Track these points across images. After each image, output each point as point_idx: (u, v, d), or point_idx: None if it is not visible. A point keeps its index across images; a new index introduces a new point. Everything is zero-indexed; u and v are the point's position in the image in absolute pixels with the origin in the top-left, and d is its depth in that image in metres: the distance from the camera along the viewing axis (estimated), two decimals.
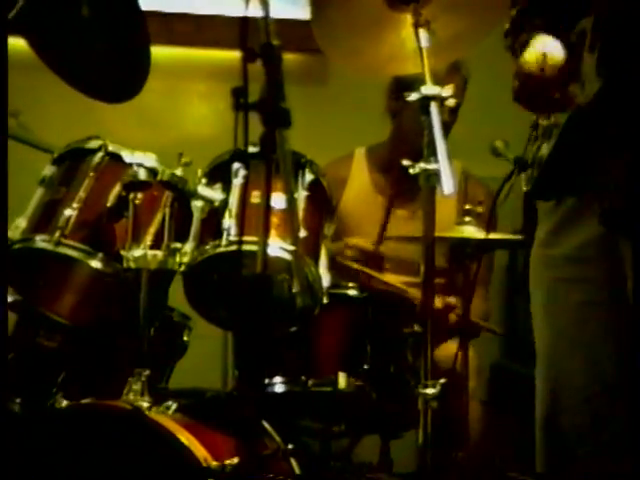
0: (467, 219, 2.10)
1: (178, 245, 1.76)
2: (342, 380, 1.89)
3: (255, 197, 1.68)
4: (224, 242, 1.71)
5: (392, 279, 2.35)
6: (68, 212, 1.73)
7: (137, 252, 1.72)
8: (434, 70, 2.11)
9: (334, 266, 1.87)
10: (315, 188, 1.83)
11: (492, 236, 2.06)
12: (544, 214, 1.57)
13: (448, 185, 1.53)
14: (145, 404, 1.63)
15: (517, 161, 1.56)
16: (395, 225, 2.40)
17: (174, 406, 1.66)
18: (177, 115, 3.04)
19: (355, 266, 2.24)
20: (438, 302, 2.19)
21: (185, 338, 2.00)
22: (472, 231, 2.08)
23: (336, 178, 2.46)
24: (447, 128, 2.37)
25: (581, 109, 1.41)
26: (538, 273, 1.56)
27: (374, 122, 2.66)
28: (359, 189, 2.48)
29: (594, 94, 1.38)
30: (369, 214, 2.36)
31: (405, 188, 2.36)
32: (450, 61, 2.12)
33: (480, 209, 2.01)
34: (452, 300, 2.25)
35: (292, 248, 1.66)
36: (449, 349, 2.12)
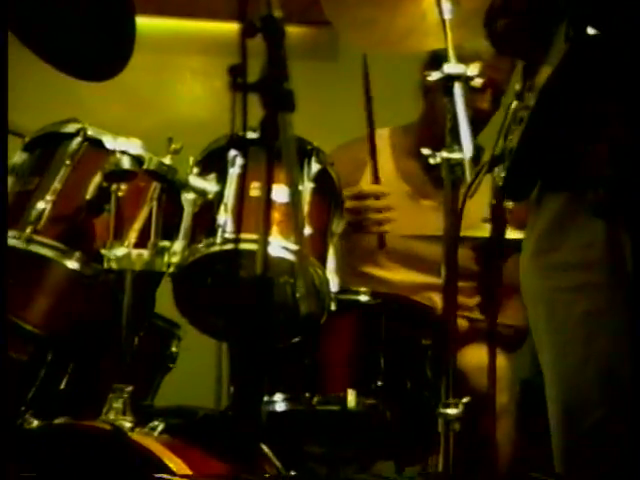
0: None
1: (166, 243, 1.76)
2: (352, 398, 1.89)
3: (254, 189, 1.68)
4: (219, 240, 1.72)
5: (407, 278, 2.35)
6: (41, 205, 1.73)
7: (120, 251, 1.73)
8: (478, 50, 2.11)
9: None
10: (322, 179, 1.84)
11: (518, 235, 2.05)
12: (531, 217, 1.56)
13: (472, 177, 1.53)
14: (127, 424, 1.64)
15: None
16: (419, 217, 2.41)
17: (161, 426, 1.67)
18: (166, 95, 3.05)
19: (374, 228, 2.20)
20: (463, 322, 2.20)
21: (174, 349, 2.01)
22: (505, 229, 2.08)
23: (355, 159, 2.44)
24: (486, 117, 2.38)
25: (550, 82, 1.40)
26: (533, 286, 1.54)
27: (391, 103, 2.65)
28: (380, 174, 2.48)
29: (561, 57, 1.37)
30: (391, 203, 2.35)
31: (432, 174, 2.36)
32: (476, 37, 2.12)
33: (511, 205, 2.01)
34: (468, 301, 2.25)
35: (296, 247, 1.67)
36: (477, 357, 2.11)
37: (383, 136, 2.54)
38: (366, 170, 2.49)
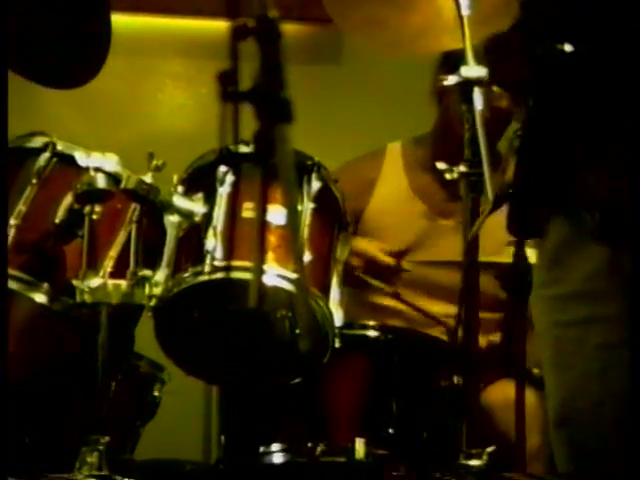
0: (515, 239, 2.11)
1: (148, 273, 1.78)
2: (360, 448, 1.89)
3: (247, 210, 1.70)
4: (207, 268, 1.73)
5: (424, 308, 2.36)
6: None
7: (94, 282, 1.74)
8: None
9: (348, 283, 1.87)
10: (324, 199, 1.85)
11: None
12: (537, 247, 1.59)
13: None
14: None
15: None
16: (437, 239, 2.42)
17: None
18: (145, 104, 3.07)
19: (375, 282, 2.25)
20: (482, 341, 2.20)
21: (156, 394, 2.02)
22: (529, 254, 2.10)
23: (362, 179, 2.49)
24: (506, 119, 2.39)
25: (532, 107, 1.43)
26: (541, 319, 1.57)
27: (403, 112, 2.68)
28: (392, 193, 2.51)
29: (534, 80, 1.41)
30: (405, 224, 2.38)
31: (450, 190, 2.38)
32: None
33: None
34: (494, 338, 2.26)
35: (295, 276, 1.69)
36: (503, 393, 2.11)
37: (395, 150, 2.56)
38: (375, 191, 2.51)
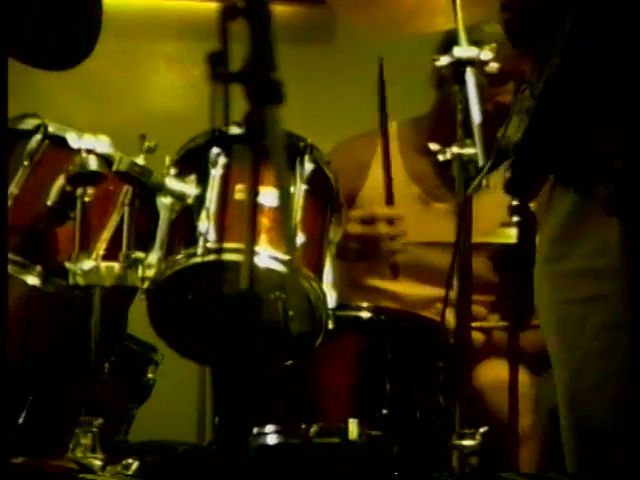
0: (516, 219, 2.11)
1: (140, 255, 1.78)
2: (353, 429, 1.89)
3: (239, 192, 1.72)
4: (200, 250, 1.72)
5: (418, 291, 2.36)
6: None
7: (87, 264, 1.74)
8: (496, 32, 2.11)
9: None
10: (317, 180, 1.85)
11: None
12: (541, 220, 1.57)
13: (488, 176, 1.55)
14: (97, 462, 1.65)
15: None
16: (431, 222, 2.42)
17: (135, 464, 1.67)
18: (137, 86, 3.06)
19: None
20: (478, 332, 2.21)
21: (150, 376, 2.02)
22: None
23: (356, 161, 2.47)
24: (507, 112, 2.39)
25: (556, 67, 1.42)
26: (544, 298, 1.55)
27: (397, 94, 2.66)
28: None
29: (566, 42, 1.39)
30: (399, 207, 2.36)
31: (446, 175, 2.37)
32: (493, 16, 2.13)
33: (533, 206, 2.02)
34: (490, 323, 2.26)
35: (287, 258, 1.68)
36: (493, 372, 2.10)
37: (390, 131, 2.54)
38: (370, 173, 2.50)
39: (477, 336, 2.25)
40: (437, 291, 2.38)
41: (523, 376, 2.09)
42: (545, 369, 2.32)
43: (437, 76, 2.43)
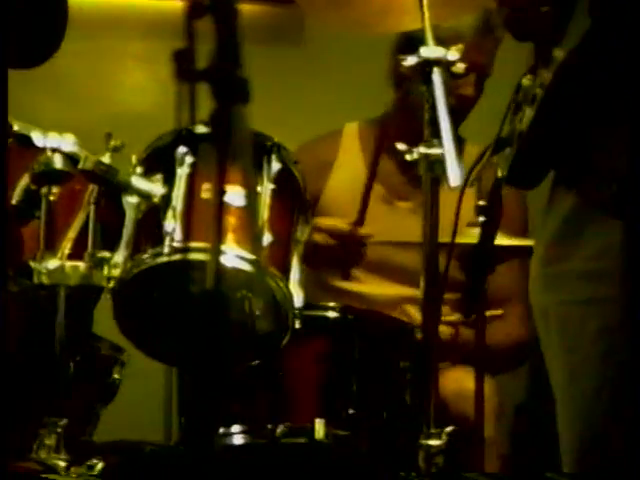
0: (482, 219, 2.12)
1: (106, 254, 1.77)
2: (320, 429, 1.90)
3: (206, 191, 1.72)
4: (166, 250, 1.72)
5: (383, 291, 2.36)
6: None
7: (52, 264, 1.73)
8: (457, 29, 2.13)
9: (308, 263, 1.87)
10: (284, 180, 1.84)
11: (514, 242, 2.08)
12: (540, 221, 1.57)
13: (455, 175, 1.55)
14: (61, 463, 1.64)
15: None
16: (395, 221, 2.43)
17: (100, 465, 1.67)
18: (104, 85, 3.04)
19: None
20: (447, 323, 2.21)
21: (116, 376, 2.00)
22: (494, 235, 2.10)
23: (318, 162, 2.48)
24: (469, 105, 2.41)
25: (571, 56, 1.41)
26: (543, 299, 1.55)
27: (364, 93, 2.67)
28: (349, 176, 2.50)
29: (583, 35, 1.39)
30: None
31: (411, 174, 2.38)
32: (461, 16, 2.15)
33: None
34: (451, 317, 2.27)
35: (254, 257, 1.68)
36: (455, 381, 2.11)
37: (352, 131, 2.56)
38: (332, 175, 2.51)
39: (444, 330, 2.24)
40: (403, 290, 2.39)
41: (487, 383, 2.10)
42: (510, 368, 2.34)
43: (396, 75, 2.44)
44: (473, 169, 1.75)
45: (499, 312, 2.30)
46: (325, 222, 2.32)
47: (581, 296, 1.50)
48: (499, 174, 1.55)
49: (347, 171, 2.52)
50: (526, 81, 1.51)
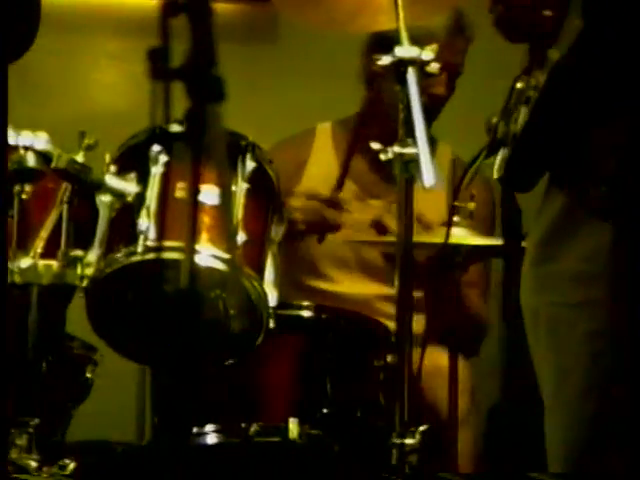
0: (455, 219, 2.13)
1: (79, 253, 1.77)
2: (294, 428, 1.90)
3: (180, 190, 1.69)
4: (140, 249, 1.72)
5: (357, 290, 2.36)
6: None
7: (24, 262, 1.72)
8: (430, 29, 2.14)
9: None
10: (259, 179, 1.85)
11: (485, 242, 2.09)
12: (533, 221, 1.57)
13: (429, 175, 1.56)
14: (33, 463, 1.63)
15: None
16: (368, 219, 2.43)
17: (72, 465, 1.66)
18: (77, 83, 3.03)
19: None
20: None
21: (88, 376, 2.00)
22: (461, 234, 2.11)
23: (292, 161, 2.49)
24: (441, 104, 2.41)
25: (563, 61, 1.41)
26: (532, 299, 1.55)
27: (339, 92, 2.68)
28: (323, 174, 2.50)
29: (576, 36, 1.40)
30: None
31: (383, 172, 2.38)
32: (434, 16, 2.16)
33: (472, 206, 2.04)
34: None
35: (228, 256, 1.68)
36: (432, 361, 2.13)
37: (325, 130, 2.57)
38: (305, 173, 2.51)
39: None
40: (376, 288, 2.40)
41: (461, 364, 2.12)
42: (475, 350, 2.34)
43: (368, 74, 2.44)
44: (467, 171, 1.74)
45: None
46: (302, 189, 2.32)
47: (572, 299, 1.49)
48: (494, 176, 1.55)
49: (320, 170, 2.52)
50: (520, 83, 1.51)
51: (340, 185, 2.33)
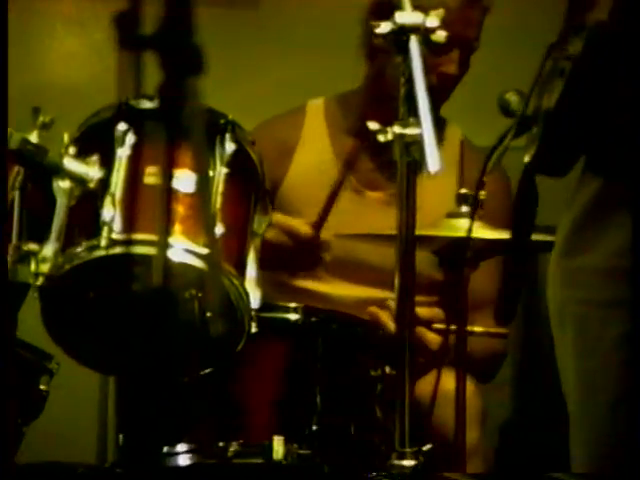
0: (464, 209, 2.14)
1: (34, 247, 1.77)
2: (279, 447, 1.90)
3: (150, 175, 1.72)
4: (104, 242, 1.72)
5: (352, 292, 2.37)
6: None
7: None
8: None
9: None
10: (240, 163, 1.85)
11: (498, 235, 2.10)
12: (565, 208, 1.56)
13: (434, 160, 1.57)
14: None
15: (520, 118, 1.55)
16: (365, 215, 2.43)
17: None
18: (30, 52, 3.02)
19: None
20: (422, 311, 2.21)
21: (43, 387, 2.00)
22: (471, 227, 2.11)
23: (278, 144, 2.48)
24: (452, 83, 2.41)
25: (603, 26, 1.40)
26: (559, 294, 1.55)
27: (331, 65, 2.68)
28: (314, 160, 2.49)
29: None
30: (327, 196, 2.36)
31: (381, 158, 2.38)
32: None
33: (483, 195, 2.05)
34: (435, 312, 2.27)
35: (205, 251, 1.68)
36: (434, 382, 2.14)
37: (316, 109, 2.54)
38: (295, 159, 2.49)
39: (432, 338, 2.24)
40: (370, 291, 2.40)
41: (469, 385, 2.12)
42: (490, 377, 2.36)
43: (369, 46, 2.43)
44: (492, 154, 1.74)
45: (504, 331, 2.31)
46: (281, 219, 2.31)
47: (603, 296, 1.50)
48: (525, 159, 1.54)
49: (311, 155, 2.50)
50: (555, 51, 1.49)
51: (322, 221, 2.31)
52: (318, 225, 2.31)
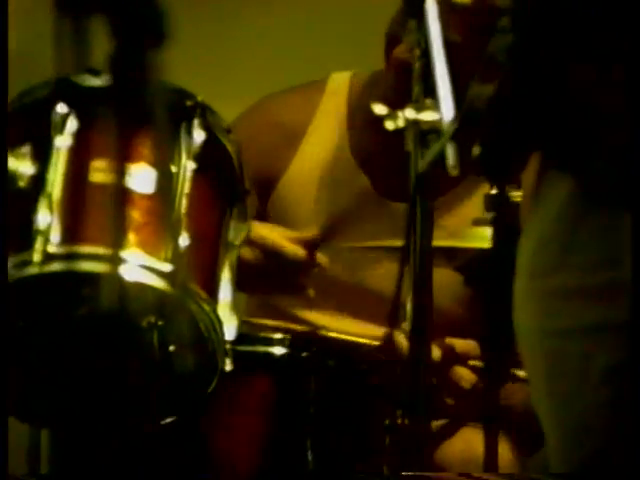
0: (492, 214, 2.12)
1: None
2: None
3: (98, 172, 1.71)
4: (37, 257, 1.72)
5: (352, 328, 2.35)
6: None
7: None
8: None
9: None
10: (211, 156, 1.85)
11: None
12: (526, 219, 1.57)
13: (455, 153, 1.54)
14: None
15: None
16: (382, 228, 2.34)
17: None
18: None
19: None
20: (436, 352, 2.20)
21: None
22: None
23: (283, 126, 2.42)
24: (465, 56, 2.37)
25: None
26: (529, 326, 1.55)
27: (328, 37, 2.67)
28: (324, 153, 2.42)
29: None
30: (336, 202, 2.36)
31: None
32: None
33: (518, 196, 2.03)
34: (471, 346, 2.24)
35: (167, 268, 1.69)
36: (465, 444, 2.15)
37: (338, 86, 2.40)
38: (301, 147, 2.42)
39: (464, 374, 2.21)
40: (376, 330, 2.33)
41: (504, 450, 2.10)
42: (536, 444, 2.32)
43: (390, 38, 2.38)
44: (432, 150, 1.73)
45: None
46: (264, 233, 2.25)
47: (581, 322, 1.50)
48: (475, 153, 1.54)
49: (322, 146, 2.40)
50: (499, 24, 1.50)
51: (323, 237, 2.25)
52: (316, 242, 2.26)
